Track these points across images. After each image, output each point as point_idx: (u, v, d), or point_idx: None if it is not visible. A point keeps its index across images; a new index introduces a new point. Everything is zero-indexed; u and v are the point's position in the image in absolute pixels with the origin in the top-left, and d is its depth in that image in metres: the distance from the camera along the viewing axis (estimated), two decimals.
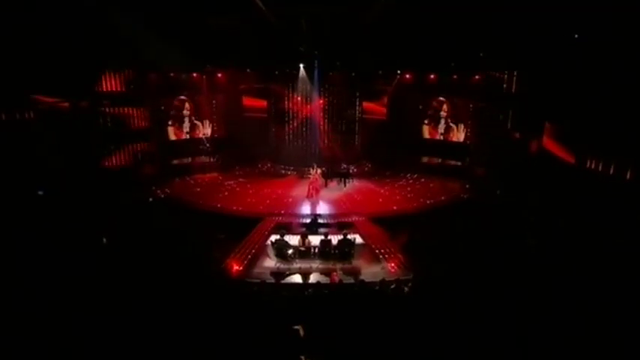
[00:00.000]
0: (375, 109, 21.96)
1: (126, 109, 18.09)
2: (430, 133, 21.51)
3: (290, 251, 11.67)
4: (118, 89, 17.72)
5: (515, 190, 15.09)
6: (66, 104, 15.10)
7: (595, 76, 12.46)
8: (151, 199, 15.87)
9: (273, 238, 12.17)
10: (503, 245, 10.55)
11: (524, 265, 8.81)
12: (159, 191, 16.98)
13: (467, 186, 17.97)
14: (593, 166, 13.22)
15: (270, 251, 11.97)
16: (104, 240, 10.65)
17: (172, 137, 20.92)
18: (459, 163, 20.21)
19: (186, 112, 21.08)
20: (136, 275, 8.11)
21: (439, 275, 9.06)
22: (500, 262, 9.16)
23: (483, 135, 18.99)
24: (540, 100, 15.27)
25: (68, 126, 14.92)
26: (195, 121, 21.46)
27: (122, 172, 17.27)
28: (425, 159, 21.41)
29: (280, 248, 11.70)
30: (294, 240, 12.08)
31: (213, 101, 21.87)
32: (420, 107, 21.48)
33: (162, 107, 20.05)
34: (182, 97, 20.79)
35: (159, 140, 19.96)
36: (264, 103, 22.16)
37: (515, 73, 17.36)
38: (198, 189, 17.73)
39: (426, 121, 21.40)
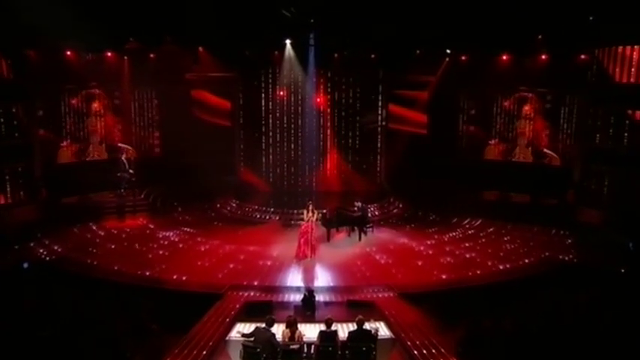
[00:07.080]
0: (410, 115, 22.29)
1: None
2: (502, 152, 21.71)
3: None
4: None
5: None
6: None
7: None
8: (25, 265, 15.65)
9: (241, 328, 12.11)
10: None
11: None
12: (41, 250, 16.82)
13: (569, 240, 17.95)
14: None
15: (235, 353, 11.86)
16: None
17: (68, 158, 20.96)
18: (555, 202, 20.26)
19: (93, 118, 21.30)
20: None
21: None
22: None
23: (597, 153, 19.09)
24: None
25: None
26: (109, 132, 21.65)
27: None
28: (493, 195, 21.49)
29: (251, 347, 11.61)
30: (275, 331, 12.00)
31: (155, 101, 22.21)
32: (474, 111, 21.71)
33: (41, 110, 19.79)
34: (88, 91, 21.01)
35: (43, 162, 19.89)
36: (227, 103, 22.53)
37: None
38: (112, 246, 17.57)
39: (493, 133, 21.73)
